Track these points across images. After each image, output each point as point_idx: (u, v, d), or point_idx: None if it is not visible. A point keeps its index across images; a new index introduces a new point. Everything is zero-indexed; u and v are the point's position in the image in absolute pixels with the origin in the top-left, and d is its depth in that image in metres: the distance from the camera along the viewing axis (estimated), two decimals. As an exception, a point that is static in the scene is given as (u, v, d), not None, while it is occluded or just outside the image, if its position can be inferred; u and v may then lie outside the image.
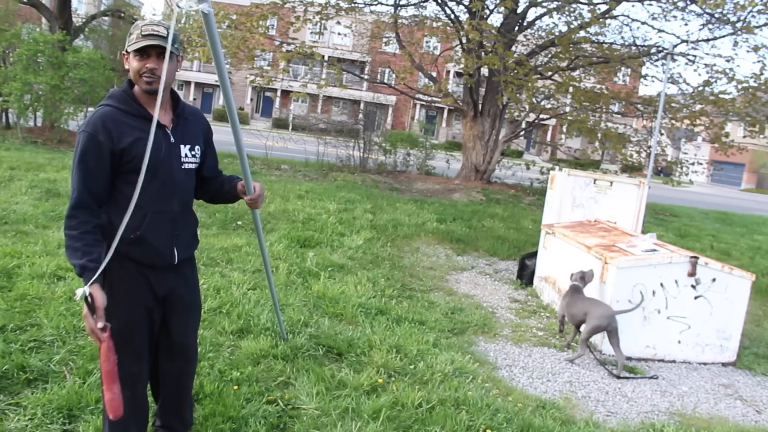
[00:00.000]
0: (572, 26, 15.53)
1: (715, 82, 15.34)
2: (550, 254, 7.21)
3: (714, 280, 5.78)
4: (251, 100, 51.23)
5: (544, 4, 15.97)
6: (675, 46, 15.95)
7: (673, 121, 16.79)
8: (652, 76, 17.73)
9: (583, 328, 5.53)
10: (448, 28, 17.35)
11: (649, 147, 15.88)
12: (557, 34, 15.98)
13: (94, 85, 15.55)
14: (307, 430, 3.51)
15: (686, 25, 47.11)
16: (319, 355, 4.55)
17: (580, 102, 16.52)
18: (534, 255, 7.79)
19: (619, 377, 5.16)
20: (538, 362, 5.30)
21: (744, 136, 16.86)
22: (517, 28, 16.95)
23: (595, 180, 7.96)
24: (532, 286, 7.63)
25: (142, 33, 2.56)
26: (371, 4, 17.62)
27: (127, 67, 2.65)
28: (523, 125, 18.97)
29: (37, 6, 18.37)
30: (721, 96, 15.21)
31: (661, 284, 5.70)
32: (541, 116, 19.00)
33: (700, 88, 15.79)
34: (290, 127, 36.83)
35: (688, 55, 16.01)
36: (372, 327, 5.28)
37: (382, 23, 19.78)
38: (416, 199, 13.07)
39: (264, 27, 15.86)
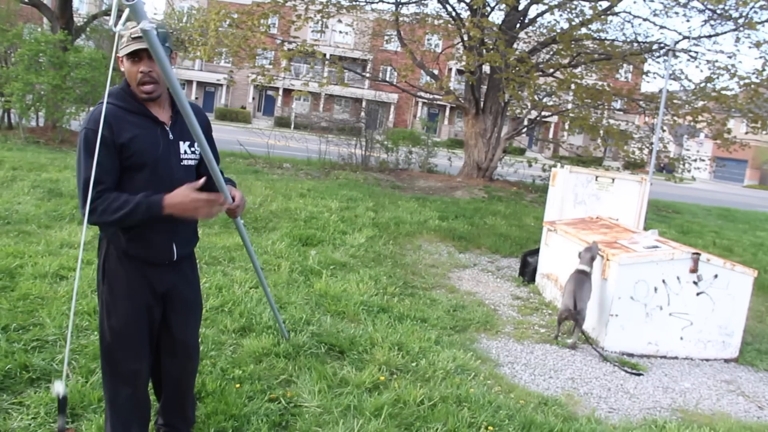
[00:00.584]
0: (574, 23, 15.50)
1: (717, 78, 15.30)
2: (552, 251, 7.21)
3: (716, 276, 5.77)
4: (253, 99, 51.27)
5: (546, 1, 15.94)
6: (677, 42, 15.90)
7: (675, 118, 16.76)
8: (654, 73, 17.69)
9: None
10: (449, 25, 17.32)
11: (651, 144, 15.84)
12: (559, 31, 15.95)
13: (96, 84, 15.54)
14: (309, 427, 3.51)
15: (688, 21, 47.13)
16: (321, 353, 4.56)
17: (582, 99, 16.49)
18: (536, 252, 7.79)
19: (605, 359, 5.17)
20: (540, 359, 5.30)
21: (746, 133, 16.83)
22: (518, 25, 16.93)
23: (596, 177, 7.95)
24: (534, 283, 7.63)
25: (132, 36, 2.54)
26: (372, 2, 17.61)
27: (122, 69, 2.66)
28: (525, 122, 18.94)
29: (38, 6, 18.38)
30: (723, 92, 15.16)
31: (663, 281, 5.70)
32: (543, 113, 18.97)
33: (702, 85, 15.74)
34: (292, 126, 36.83)
35: (690, 51, 15.97)
36: (374, 325, 5.28)
37: (383, 21, 19.75)
38: (418, 197, 13.07)
39: (265, 26, 15.86)
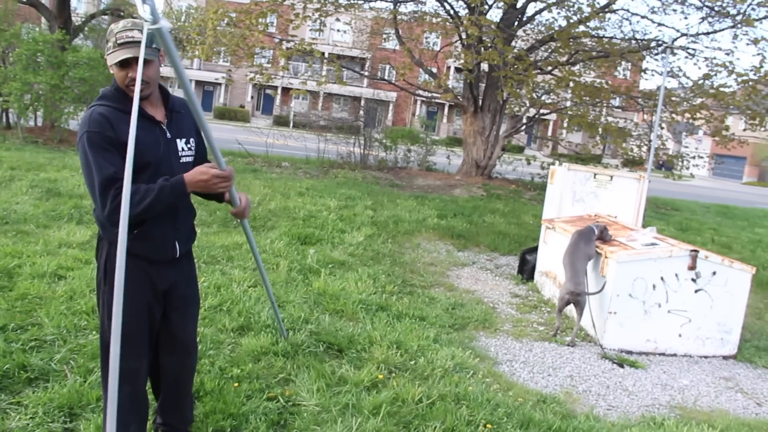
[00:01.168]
0: (572, 21, 15.49)
1: (715, 75, 15.31)
2: (551, 249, 7.21)
3: (714, 273, 5.78)
4: (252, 97, 51.21)
5: (544, -2, 15.95)
6: (675, 39, 15.94)
7: (674, 115, 16.76)
8: (652, 70, 17.69)
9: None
10: (447, 23, 17.32)
11: (650, 141, 15.85)
12: (557, 28, 15.95)
13: (94, 84, 15.53)
14: (307, 426, 3.51)
15: (686, 18, 47.08)
16: (319, 352, 4.56)
17: (581, 96, 16.49)
18: (535, 250, 7.79)
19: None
20: (538, 357, 5.30)
21: (745, 129, 16.84)
22: (516, 23, 16.93)
23: (595, 174, 7.95)
24: (533, 281, 7.63)
25: (118, 41, 2.53)
26: (370, 1, 17.60)
27: (112, 72, 2.63)
28: (524, 120, 18.93)
29: (36, 5, 18.36)
30: (721, 89, 15.18)
31: (662, 278, 5.70)
32: (542, 111, 18.96)
33: (700, 82, 15.75)
34: (291, 125, 36.81)
35: (688, 48, 15.98)
36: (372, 323, 5.28)
37: (381, 20, 19.74)
38: (417, 195, 13.07)
39: (263, 24, 15.84)
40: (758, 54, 14.36)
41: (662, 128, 16.86)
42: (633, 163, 19.32)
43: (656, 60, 17.14)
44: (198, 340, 3.32)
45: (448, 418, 3.74)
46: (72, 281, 5.37)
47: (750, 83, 14.90)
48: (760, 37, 14.35)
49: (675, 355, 5.80)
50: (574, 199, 7.87)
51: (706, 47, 18.66)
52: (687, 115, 16.49)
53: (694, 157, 18.97)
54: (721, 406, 4.80)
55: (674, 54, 15.99)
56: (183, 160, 2.82)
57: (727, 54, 17.42)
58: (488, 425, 3.75)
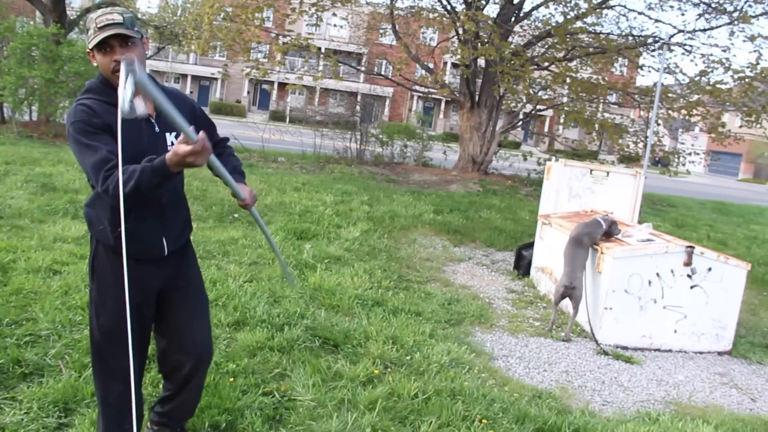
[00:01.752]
0: (569, 16, 15.49)
1: (712, 72, 15.33)
2: (547, 245, 7.22)
3: (710, 269, 5.79)
4: (248, 92, 51.09)
5: (541, -6, 15.94)
6: (672, 36, 15.94)
7: (670, 112, 16.79)
8: (649, 67, 17.78)
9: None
10: (444, 19, 17.30)
11: (646, 137, 15.87)
12: (554, 24, 15.94)
13: (89, 78, 15.38)
14: (303, 421, 3.51)
15: (683, 15, 47.17)
16: (315, 347, 4.56)
17: (577, 92, 16.49)
18: (531, 246, 7.79)
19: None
20: (534, 352, 5.31)
21: (741, 126, 16.86)
22: (513, 18, 16.91)
23: (591, 170, 7.95)
24: (529, 276, 7.63)
25: (98, 25, 2.44)
26: (367, -5, 17.57)
27: (95, 64, 2.56)
28: (520, 116, 18.94)
29: (31, -1, 18.27)
30: (717, 86, 15.20)
31: (657, 274, 5.71)
32: (538, 107, 18.97)
33: (697, 78, 15.77)
34: (287, 120, 36.77)
35: (685, 45, 16.00)
36: (368, 318, 5.28)
37: (378, 14, 19.73)
38: (413, 191, 13.06)
39: (260, 19, 15.78)
40: (755, 51, 14.50)
41: (659, 125, 16.89)
42: (629, 160, 19.35)
43: (653, 56, 17.18)
44: (211, 337, 3.13)
45: (443, 413, 3.74)
46: (67, 276, 5.35)
47: (746, 80, 14.93)
48: (756, 34, 14.36)
49: (670, 350, 5.82)
50: (570, 195, 7.87)
51: (703, 44, 18.88)
52: (683, 111, 16.52)
53: (690, 154, 19.00)
54: (715, 401, 4.82)
55: (671, 50, 16.00)
56: None
57: (724, 51, 17.52)
58: (484, 420, 3.75)
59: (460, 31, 15.79)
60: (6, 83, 14.30)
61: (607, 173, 7.99)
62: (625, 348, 5.69)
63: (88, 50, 2.52)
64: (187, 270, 2.96)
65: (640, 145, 18.32)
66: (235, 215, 8.63)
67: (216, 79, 47.31)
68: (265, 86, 51.01)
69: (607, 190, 7.90)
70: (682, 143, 20.82)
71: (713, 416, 4.40)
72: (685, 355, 5.78)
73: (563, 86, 17.84)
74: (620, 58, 18.27)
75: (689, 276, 5.76)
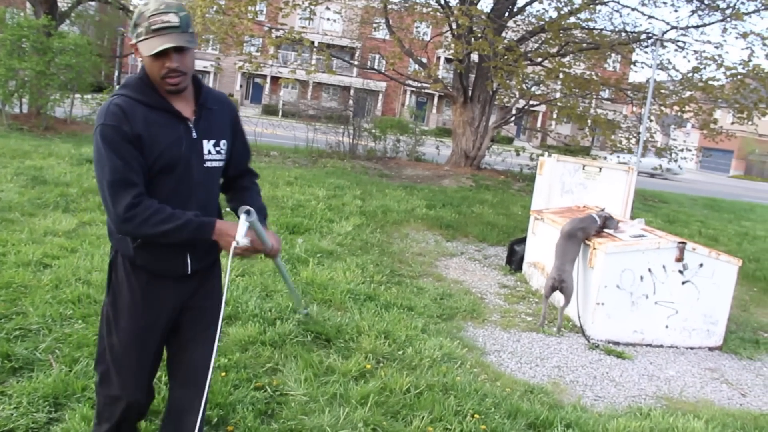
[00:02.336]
0: (562, 12, 15.50)
1: (704, 68, 15.38)
2: (539, 240, 7.22)
3: (701, 265, 5.80)
4: (241, 86, 50.93)
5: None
6: (665, 32, 15.97)
7: (662, 108, 16.82)
8: (642, 63, 17.74)
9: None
10: (437, 13, 17.26)
11: (639, 133, 15.91)
12: (547, 19, 15.95)
13: (81, 71, 15.38)
14: (295, 416, 3.50)
15: (676, 11, 47.28)
16: (307, 342, 4.54)
17: (570, 88, 16.50)
18: (523, 241, 7.80)
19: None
20: (526, 347, 5.31)
21: (732, 123, 16.91)
22: (507, 13, 16.90)
23: (584, 166, 7.96)
24: (521, 271, 7.64)
25: (152, 27, 2.19)
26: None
27: (139, 59, 2.30)
28: (513, 111, 18.94)
29: (21, -10, 18.13)
30: (709, 82, 15.25)
31: (649, 269, 5.73)
32: (531, 102, 18.98)
33: (689, 75, 15.81)
34: (280, 114, 36.65)
35: (678, 41, 16.05)
36: (361, 313, 5.27)
37: (371, 9, 19.65)
38: (406, 186, 13.05)
39: (253, 12, 15.72)
40: (747, 48, 14.59)
41: (651, 121, 16.92)
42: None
43: (646, 52, 17.18)
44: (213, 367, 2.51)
45: (435, 408, 3.74)
46: (58, 270, 5.32)
47: (738, 77, 14.97)
48: (749, 31, 14.41)
49: (662, 346, 5.84)
50: (562, 191, 7.88)
51: (696, 40, 18.97)
52: (676, 107, 16.56)
53: (682, 150, 19.05)
54: (706, 396, 4.84)
55: (664, 47, 16.03)
56: (208, 164, 2.43)
57: (716, 47, 17.58)
58: (476, 415, 3.75)
59: (454, 26, 15.78)
60: (-4, 75, 14.18)
61: (600, 169, 8.00)
62: (617, 343, 5.70)
63: (132, 43, 2.27)
64: (210, 292, 2.64)
65: (633, 141, 18.35)
66: (226, 209, 8.58)
67: (208, 72, 46.98)
68: (257, 80, 51.00)
69: (599, 185, 7.91)
70: (674, 139, 20.90)
71: (704, 411, 4.41)
72: (677, 351, 5.80)
73: (556, 82, 17.86)
74: (613, 54, 18.30)
75: (681, 272, 5.78)
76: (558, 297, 5.99)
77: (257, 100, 50.89)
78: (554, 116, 21.53)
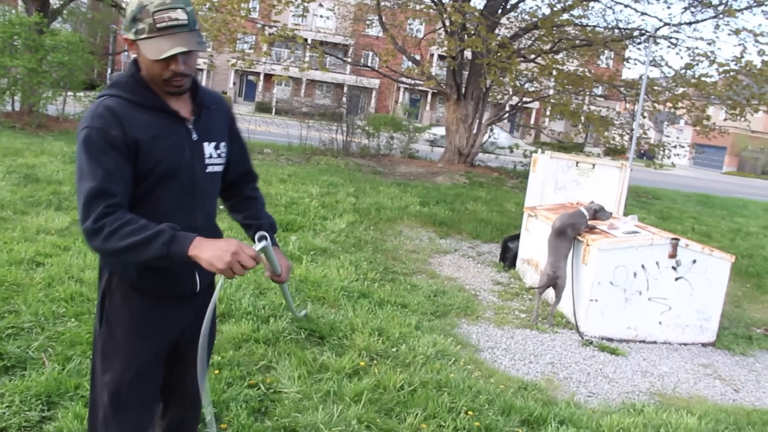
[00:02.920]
0: (555, 9, 15.49)
1: (697, 65, 15.42)
2: (533, 237, 7.23)
3: (694, 261, 5.82)
4: (234, 84, 50.79)
5: (527, -14, 15.93)
6: (657, 29, 15.98)
7: (655, 104, 16.86)
8: (635, 59, 17.77)
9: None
10: (430, 10, 17.27)
11: (632, 130, 15.94)
12: (540, 16, 15.93)
13: (73, 68, 15.32)
14: (288, 413, 3.50)
15: (669, 8, 47.29)
16: (300, 339, 4.54)
17: (563, 85, 16.53)
18: (516, 238, 7.81)
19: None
20: (520, 344, 5.32)
21: (725, 119, 16.98)
22: (500, 10, 16.89)
23: (577, 163, 7.97)
24: (515, 268, 7.65)
25: (157, 25, 1.95)
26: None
27: (134, 54, 2.07)
28: (507, 108, 18.95)
29: (12, -12, 18.03)
30: (702, 79, 15.28)
31: (643, 266, 5.74)
32: (525, 99, 18.99)
33: (682, 71, 15.85)
34: (273, 111, 36.61)
35: (671, 38, 16.06)
36: (354, 310, 5.26)
37: (364, 6, 19.63)
38: (399, 183, 13.04)
39: (245, 9, 15.66)
40: (739, 44, 14.47)
41: (644, 117, 16.96)
42: (615, 152, 19.43)
43: (639, 49, 17.22)
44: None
45: (429, 405, 3.74)
46: (50, 268, 5.29)
47: (731, 73, 15.01)
48: (741, 28, 14.43)
49: (655, 342, 5.85)
50: (556, 187, 7.89)
51: (689, 37, 18.92)
52: (669, 104, 16.61)
53: (675, 147, 19.10)
54: (699, 392, 4.85)
55: (657, 43, 16.06)
56: (210, 169, 2.22)
57: (709, 44, 17.60)
58: (470, 412, 3.76)
59: (447, 23, 15.77)
60: (-13, 73, 14.12)
61: (593, 166, 8.02)
62: (611, 339, 5.72)
63: (127, 39, 2.03)
64: (210, 307, 2.20)
65: (626, 137, 18.40)
66: (220, 207, 8.56)
67: (201, 69, 46.84)
68: (251, 77, 50.85)
69: (592, 182, 7.93)
70: (668, 136, 20.95)
71: (697, 407, 4.43)
72: (670, 347, 5.82)
73: (549, 78, 17.88)
74: (606, 51, 18.30)
75: (674, 268, 5.79)
76: (550, 293, 6.00)
77: (250, 97, 50.77)
78: (548, 113, 21.53)
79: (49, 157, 10.59)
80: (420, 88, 22.79)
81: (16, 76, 14.80)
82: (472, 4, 15.85)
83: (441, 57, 26.44)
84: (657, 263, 5.76)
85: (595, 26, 16.75)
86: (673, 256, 5.76)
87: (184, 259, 1.90)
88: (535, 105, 31.34)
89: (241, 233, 2.53)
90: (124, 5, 19.27)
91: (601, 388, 4.67)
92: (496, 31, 16.73)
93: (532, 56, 16.99)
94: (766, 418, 4.39)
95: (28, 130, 14.59)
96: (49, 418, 3.19)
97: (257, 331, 4.48)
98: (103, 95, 2.06)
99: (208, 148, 2.20)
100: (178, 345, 2.31)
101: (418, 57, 19.37)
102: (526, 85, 18.32)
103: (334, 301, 5.48)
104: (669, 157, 19.07)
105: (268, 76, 45.97)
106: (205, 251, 1.89)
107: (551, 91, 18.82)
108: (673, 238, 5.81)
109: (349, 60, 29.86)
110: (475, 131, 17.21)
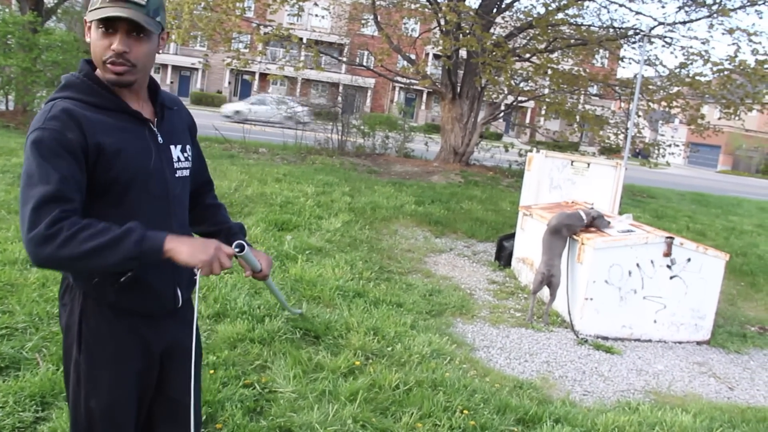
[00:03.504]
0: (550, 8, 15.50)
1: (691, 64, 15.45)
2: (528, 236, 7.24)
3: (689, 260, 5.83)
4: (229, 83, 50.71)
5: (522, -15, 15.94)
6: (652, 28, 16.00)
7: (650, 103, 16.89)
8: (630, 59, 17.90)
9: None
10: (426, 10, 17.25)
11: (627, 129, 15.97)
12: (535, 15, 15.95)
13: (68, 68, 15.22)
14: (283, 413, 3.49)
15: (663, 7, 47.48)
16: (296, 338, 4.54)
17: (558, 84, 16.53)
18: (512, 236, 7.81)
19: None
20: (515, 343, 5.33)
21: (719, 118, 17.01)
22: (495, 9, 16.89)
23: (572, 161, 7.98)
24: (510, 267, 7.66)
25: None
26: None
27: (88, 40, 1.88)
28: (502, 107, 18.96)
29: (6, -14, 17.97)
30: (697, 78, 15.32)
31: (638, 264, 5.75)
32: (520, 98, 19.01)
33: (677, 71, 15.88)
34: (269, 111, 36.52)
35: (665, 37, 16.07)
36: (349, 309, 5.26)
37: (360, 5, 19.63)
38: (395, 182, 13.03)
39: (241, 9, 15.64)
40: (733, 44, 14.50)
41: (639, 116, 17.00)
42: (610, 151, 19.46)
43: (633, 48, 17.26)
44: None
45: (425, 404, 3.74)
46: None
47: (725, 72, 15.05)
48: (735, 27, 14.45)
49: (650, 340, 5.87)
50: (551, 186, 7.90)
51: (683, 36, 18.95)
52: (663, 103, 16.64)
53: (670, 146, 19.14)
54: (694, 390, 4.87)
55: (651, 43, 16.08)
56: (179, 173, 2.08)
57: (703, 43, 17.67)
58: (465, 411, 3.76)
59: (442, 22, 15.75)
60: (-19, 72, 14.07)
61: (588, 164, 8.03)
62: (606, 338, 5.73)
63: (86, 20, 1.88)
64: (192, 321, 2.06)
65: (621, 136, 18.42)
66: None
67: (197, 69, 46.84)
68: (246, 77, 50.68)
69: (588, 181, 7.93)
70: (662, 135, 20.98)
71: (692, 405, 4.44)
72: (665, 345, 5.83)
73: (544, 78, 17.88)
74: (601, 50, 18.34)
75: (669, 266, 5.81)
76: (545, 292, 6.01)
77: (246, 96, 50.67)
78: (543, 112, 21.56)
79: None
80: (415, 87, 22.82)
81: (10, 76, 14.77)
82: (467, 3, 15.86)
83: (436, 56, 26.47)
84: (652, 262, 5.77)
85: (589, 25, 16.77)
86: (667, 254, 5.77)
87: (159, 257, 1.77)
88: (531, 104, 31.38)
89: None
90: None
91: (596, 386, 4.68)
92: (491, 31, 16.74)
93: (527, 55, 17.00)
94: (761, 416, 4.41)
95: (22, 130, 14.54)
96: (44, 419, 3.18)
97: (252, 331, 4.47)
98: (54, 98, 1.88)
99: (175, 151, 2.07)
100: (168, 362, 2.16)
101: (413, 56, 19.37)
102: (521, 85, 18.33)
103: (329, 300, 5.47)
104: (664, 156, 19.09)
105: (264, 76, 45.76)
106: (184, 245, 1.79)
107: (546, 90, 18.83)
108: (667, 237, 5.82)
109: (345, 59, 29.88)
110: (470, 130, 17.21)
